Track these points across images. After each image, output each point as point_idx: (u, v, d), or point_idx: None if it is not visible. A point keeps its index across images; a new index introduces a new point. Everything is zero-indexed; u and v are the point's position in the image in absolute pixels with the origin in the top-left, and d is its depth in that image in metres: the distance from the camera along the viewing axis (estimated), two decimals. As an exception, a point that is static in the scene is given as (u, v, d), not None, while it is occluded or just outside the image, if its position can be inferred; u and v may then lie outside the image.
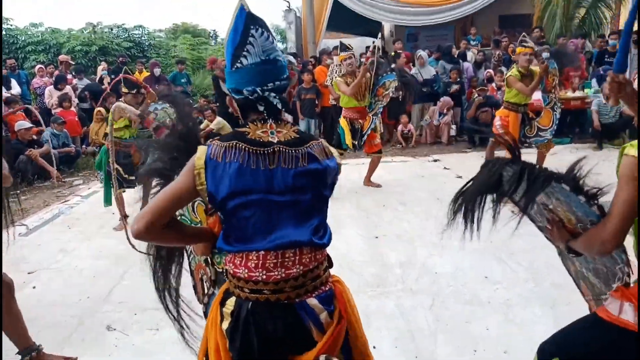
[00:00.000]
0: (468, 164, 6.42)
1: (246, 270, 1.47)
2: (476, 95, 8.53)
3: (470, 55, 10.13)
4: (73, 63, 10.84)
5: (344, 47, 6.05)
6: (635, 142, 1.50)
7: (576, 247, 1.67)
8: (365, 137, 6.04)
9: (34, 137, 7.41)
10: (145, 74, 10.11)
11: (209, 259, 1.81)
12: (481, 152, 7.21)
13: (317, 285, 1.53)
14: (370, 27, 13.72)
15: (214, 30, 21.40)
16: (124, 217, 4.90)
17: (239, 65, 1.51)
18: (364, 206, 5.51)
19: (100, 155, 5.22)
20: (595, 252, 1.61)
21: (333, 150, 1.61)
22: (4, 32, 14.26)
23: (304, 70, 9.29)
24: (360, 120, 5.97)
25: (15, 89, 9.09)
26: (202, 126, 8.81)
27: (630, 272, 1.69)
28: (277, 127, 1.53)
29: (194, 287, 1.92)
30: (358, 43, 13.43)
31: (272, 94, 1.52)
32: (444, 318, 3.12)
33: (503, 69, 8.96)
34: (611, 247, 1.51)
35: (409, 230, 4.65)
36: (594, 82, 8.57)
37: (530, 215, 1.82)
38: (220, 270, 1.73)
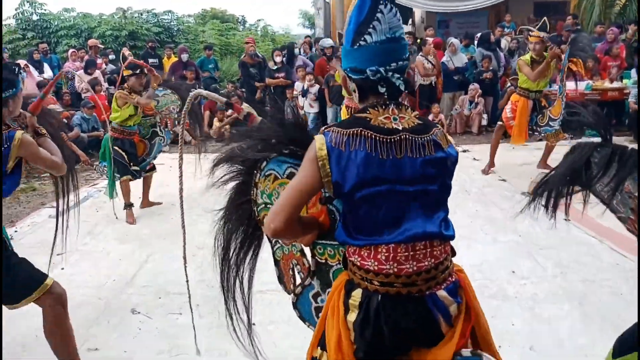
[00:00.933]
0: (498, 154, 6.25)
1: (376, 263, 1.43)
2: (509, 84, 8.31)
3: (504, 42, 9.86)
4: (102, 47, 10.97)
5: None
6: None
7: None
8: None
9: (65, 120, 7.54)
10: (174, 59, 10.17)
11: (303, 249, 1.78)
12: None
13: (446, 276, 1.48)
14: (400, 14, 13.47)
15: (243, 16, 21.33)
16: (129, 205, 4.89)
17: (362, 42, 1.44)
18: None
19: (103, 144, 5.02)
20: None
21: (450, 138, 1.55)
22: (36, 17, 14.56)
23: (333, 56, 9.19)
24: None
25: (47, 73, 9.27)
26: (228, 112, 8.84)
27: None
28: (399, 112, 1.46)
29: (279, 277, 1.89)
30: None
31: (396, 75, 1.44)
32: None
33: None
34: None
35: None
36: (633, 72, 8.24)
37: (611, 207, 1.72)
38: (322, 261, 1.71)
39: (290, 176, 1.70)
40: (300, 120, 1.73)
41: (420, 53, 8.86)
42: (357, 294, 1.47)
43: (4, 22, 14.50)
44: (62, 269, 3.85)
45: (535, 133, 5.83)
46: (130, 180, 4.95)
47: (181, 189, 2.19)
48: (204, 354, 2.75)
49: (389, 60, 1.43)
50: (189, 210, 4.97)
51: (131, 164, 4.94)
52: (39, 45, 10.49)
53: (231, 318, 1.89)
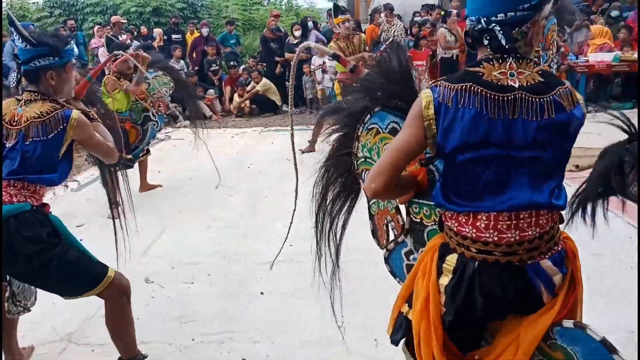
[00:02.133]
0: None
1: (474, 230, 1.37)
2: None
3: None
4: (125, 22, 11.05)
5: (340, 10, 5.87)
6: None
7: None
8: None
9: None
10: (197, 34, 10.18)
11: (399, 206, 1.75)
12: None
13: (551, 246, 1.40)
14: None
15: (267, -10, 21.16)
16: (115, 204, 3.57)
17: None
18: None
19: None
20: None
21: (579, 96, 1.39)
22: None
23: (358, 28, 9.08)
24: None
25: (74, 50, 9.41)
26: (248, 88, 8.87)
27: None
28: (519, 67, 1.32)
29: (373, 231, 1.89)
30: (415, 1, 12.94)
31: (497, 27, 1.30)
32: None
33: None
34: None
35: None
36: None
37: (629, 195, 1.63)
38: (417, 220, 1.68)
39: (393, 132, 1.66)
40: (406, 71, 1.64)
41: (444, 25, 8.66)
42: (452, 259, 1.42)
43: (31, 1, 14.77)
44: (81, 240, 3.95)
45: None
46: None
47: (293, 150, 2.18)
48: (213, 320, 2.84)
49: (495, 10, 1.30)
50: (205, 184, 5.11)
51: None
52: (67, 22, 10.65)
53: (319, 263, 1.94)
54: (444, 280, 1.43)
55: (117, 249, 2.89)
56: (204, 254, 3.68)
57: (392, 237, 1.81)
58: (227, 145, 6.94)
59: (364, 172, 1.78)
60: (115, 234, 2.89)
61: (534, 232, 1.35)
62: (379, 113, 1.70)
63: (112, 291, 2.19)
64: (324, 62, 8.60)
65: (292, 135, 2.13)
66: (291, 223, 2.31)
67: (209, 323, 2.83)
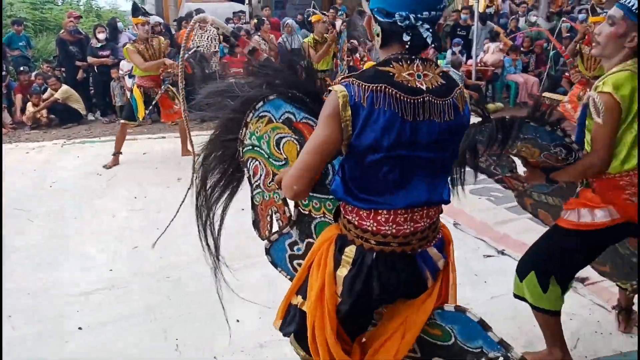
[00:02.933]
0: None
1: (375, 224, 1.43)
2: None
3: (338, 25, 10.23)
4: None
5: (139, 11, 5.61)
6: (609, 78, 1.85)
7: (563, 177, 1.98)
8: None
9: None
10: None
11: (286, 198, 1.69)
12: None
13: (436, 234, 1.52)
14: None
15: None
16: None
17: None
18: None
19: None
20: (591, 175, 1.98)
21: (467, 93, 1.47)
22: None
23: (167, 32, 8.70)
24: (156, 89, 5.58)
25: None
26: (44, 96, 7.87)
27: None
28: (424, 68, 1.36)
29: (254, 222, 1.83)
30: (226, 9, 12.92)
31: (425, 25, 1.31)
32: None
33: (367, 41, 9.21)
34: (605, 169, 1.90)
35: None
36: (448, 53, 9.14)
37: (489, 171, 1.90)
38: (306, 212, 1.71)
39: (287, 122, 1.66)
40: (310, 67, 1.66)
41: (258, 33, 8.81)
42: (350, 251, 1.46)
43: None
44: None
45: None
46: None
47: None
48: None
49: (421, 7, 1.31)
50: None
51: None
52: None
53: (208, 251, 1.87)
54: (342, 271, 1.47)
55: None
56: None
57: (275, 228, 1.81)
58: (22, 162, 6.03)
59: (250, 160, 1.75)
60: None
61: (425, 223, 1.47)
62: (274, 101, 1.66)
63: None
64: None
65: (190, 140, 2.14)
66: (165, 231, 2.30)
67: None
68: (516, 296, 2.24)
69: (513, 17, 10.77)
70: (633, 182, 1.96)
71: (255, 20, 9.65)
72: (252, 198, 1.83)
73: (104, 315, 2.85)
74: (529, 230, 3.84)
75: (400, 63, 1.35)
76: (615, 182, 1.98)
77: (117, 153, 5.74)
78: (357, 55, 8.98)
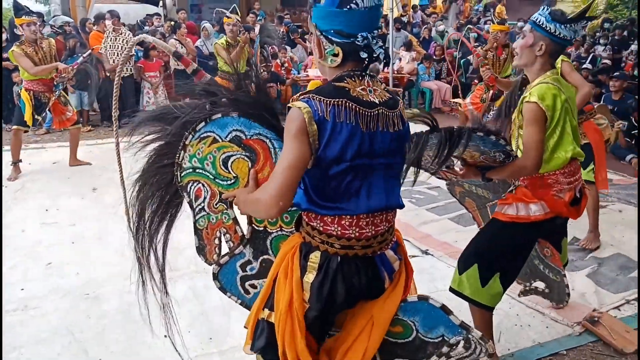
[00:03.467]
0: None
1: (339, 228, 1.49)
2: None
3: (257, 29, 10.18)
4: None
5: (23, 10, 5.19)
6: (534, 90, 2.10)
7: (497, 176, 2.19)
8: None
9: None
10: None
11: (237, 217, 1.75)
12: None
13: (392, 237, 1.61)
14: (151, -5, 12.79)
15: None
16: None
17: (353, 6, 1.38)
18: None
19: None
20: (523, 176, 2.21)
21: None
22: None
23: (77, 34, 8.21)
24: (47, 94, 5.30)
25: None
26: None
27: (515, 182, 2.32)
28: (373, 84, 1.47)
29: (198, 247, 1.78)
30: (139, 11, 12.43)
31: (380, 43, 1.44)
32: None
33: (287, 47, 9.28)
34: (536, 171, 2.11)
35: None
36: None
37: (426, 167, 2.06)
38: (260, 228, 1.73)
39: (235, 140, 1.65)
40: (259, 81, 1.68)
41: (174, 36, 8.57)
42: (315, 256, 1.52)
43: None
44: None
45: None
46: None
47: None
48: None
49: (373, 27, 1.44)
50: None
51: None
52: None
53: (144, 287, 1.81)
54: (309, 277, 1.52)
55: None
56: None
57: (224, 250, 1.78)
58: None
59: (190, 184, 1.71)
60: None
61: (385, 227, 1.56)
62: (218, 121, 1.64)
63: None
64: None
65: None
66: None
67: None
68: (452, 290, 2.36)
69: (425, 26, 11.32)
70: (558, 180, 2.23)
71: (172, 23, 9.37)
72: (195, 222, 1.76)
73: (18, 339, 2.63)
74: (450, 230, 4.06)
75: (354, 79, 1.45)
76: (543, 180, 2.24)
77: (16, 162, 5.33)
78: (278, 60, 9.00)
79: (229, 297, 1.82)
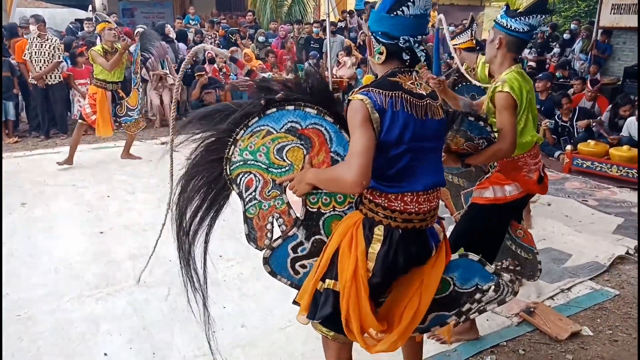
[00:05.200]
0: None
1: (402, 204, 1.71)
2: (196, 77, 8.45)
3: (190, 35, 9.99)
4: None
5: None
6: (505, 81, 2.27)
7: (477, 162, 2.31)
8: None
9: None
10: None
11: (289, 202, 1.88)
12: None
13: (437, 213, 1.82)
14: (78, -2, 12.29)
15: None
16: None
17: (399, 12, 1.62)
18: (86, 200, 4.89)
19: None
20: (501, 158, 2.35)
21: None
22: None
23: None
24: None
25: None
26: None
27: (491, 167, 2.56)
28: (418, 79, 1.70)
29: (248, 235, 1.90)
30: (65, 15, 11.91)
31: (420, 47, 1.66)
32: (180, 306, 2.96)
33: (224, 51, 9.14)
34: (511, 153, 2.28)
35: (139, 221, 4.27)
36: (305, 65, 9.42)
37: None
38: (314, 210, 1.86)
39: (290, 131, 1.80)
40: (319, 80, 1.82)
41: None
42: (379, 230, 1.72)
43: None
44: None
45: (116, 123, 5.91)
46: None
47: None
48: None
49: (417, 33, 1.65)
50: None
51: None
52: None
53: (189, 282, 1.96)
54: (375, 247, 1.72)
55: None
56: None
57: (277, 234, 1.88)
58: None
59: (240, 176, 1.85)
60: None
61: (436, 203, 1.79)
62: (272, 115, 1.78)
63: None
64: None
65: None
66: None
67: None
68: None
69: (362, 31, 11.51)
70: (527, 162, 2.47)
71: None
72: (245, 211, 1.88)
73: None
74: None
75: (404, 75, 1.69)
76: (514, 163, 2.47)
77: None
78: (216, 65, 8.83)
79: (279, 279, 1.92)
